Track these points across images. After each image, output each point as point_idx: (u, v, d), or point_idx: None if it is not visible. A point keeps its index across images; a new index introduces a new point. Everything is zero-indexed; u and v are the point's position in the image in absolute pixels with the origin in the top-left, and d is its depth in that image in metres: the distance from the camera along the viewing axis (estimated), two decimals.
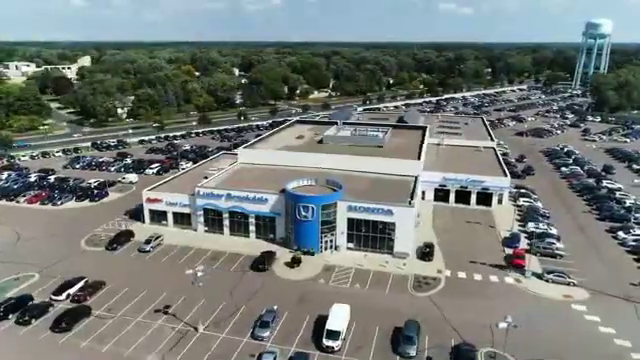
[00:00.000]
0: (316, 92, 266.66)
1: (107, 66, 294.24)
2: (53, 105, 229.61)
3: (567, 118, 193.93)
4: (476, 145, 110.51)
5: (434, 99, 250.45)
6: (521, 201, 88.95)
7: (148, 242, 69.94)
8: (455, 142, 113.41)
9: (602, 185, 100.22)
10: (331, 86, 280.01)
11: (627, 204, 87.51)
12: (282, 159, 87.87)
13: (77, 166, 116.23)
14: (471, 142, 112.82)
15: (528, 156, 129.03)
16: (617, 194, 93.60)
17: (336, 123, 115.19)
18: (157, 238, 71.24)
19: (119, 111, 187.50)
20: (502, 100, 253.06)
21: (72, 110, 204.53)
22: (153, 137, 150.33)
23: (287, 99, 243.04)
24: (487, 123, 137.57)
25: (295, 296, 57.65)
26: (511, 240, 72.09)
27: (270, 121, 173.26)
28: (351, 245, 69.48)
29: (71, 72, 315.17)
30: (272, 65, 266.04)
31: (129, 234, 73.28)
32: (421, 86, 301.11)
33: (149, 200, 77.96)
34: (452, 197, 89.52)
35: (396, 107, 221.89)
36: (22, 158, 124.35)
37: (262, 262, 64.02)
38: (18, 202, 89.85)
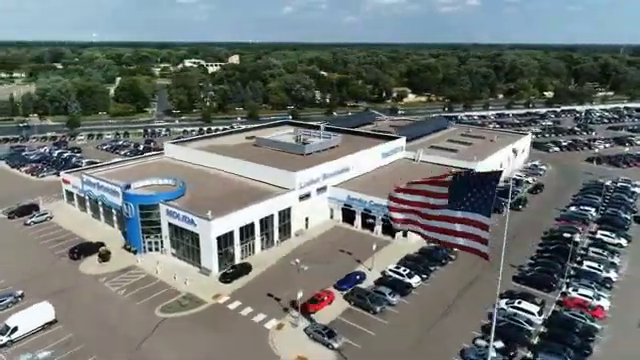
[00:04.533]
0: (411, 95, 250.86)
1: (236, 65, 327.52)
2: None
3: None
4: (451, 165, 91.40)
5: (543, 110, 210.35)
6: None
7: (33, 217, 78.78)
8: (432, 159, 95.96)
9: (596, 236, 73.05)
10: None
11: (583, 267, 62.59)
12: (195, 158, 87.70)
13: (103, 148, 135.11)
14: (450, 161, 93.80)
15: (568, 188, 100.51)
16: (590, 251, 67.27)
17: (319, 127, 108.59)
18: (42, 215, 79.59)
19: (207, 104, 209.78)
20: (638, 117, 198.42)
21: None
22: (197, 129, 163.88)
23: (376, 101, 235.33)
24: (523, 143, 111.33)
25: (60, 287, 58.55)
26: (343, 281, 59.22)
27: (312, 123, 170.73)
28: (174, 251, 66.52)
29: (215, 69, 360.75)
30: (368, 67, 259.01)
31: (33, 207, 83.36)
32: (551, 94, 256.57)
33: (64, 181, 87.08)
34: (358, 220, 76.88)
35: (482, 117, 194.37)
36: (79, 138, 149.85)
37: (74, 251, 66.27)
38: (20, 170, 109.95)
